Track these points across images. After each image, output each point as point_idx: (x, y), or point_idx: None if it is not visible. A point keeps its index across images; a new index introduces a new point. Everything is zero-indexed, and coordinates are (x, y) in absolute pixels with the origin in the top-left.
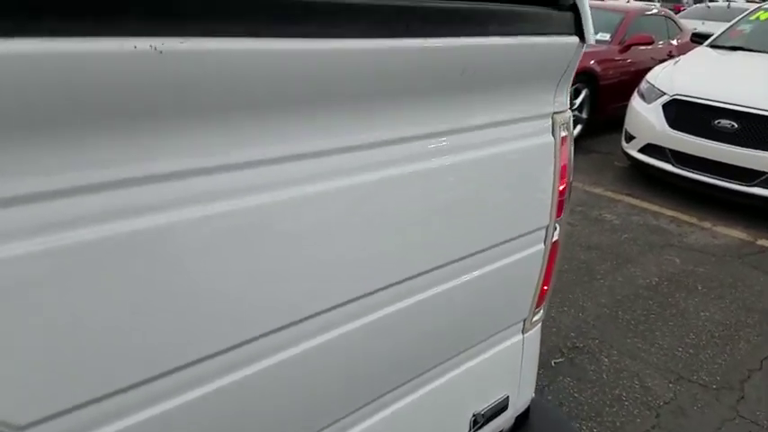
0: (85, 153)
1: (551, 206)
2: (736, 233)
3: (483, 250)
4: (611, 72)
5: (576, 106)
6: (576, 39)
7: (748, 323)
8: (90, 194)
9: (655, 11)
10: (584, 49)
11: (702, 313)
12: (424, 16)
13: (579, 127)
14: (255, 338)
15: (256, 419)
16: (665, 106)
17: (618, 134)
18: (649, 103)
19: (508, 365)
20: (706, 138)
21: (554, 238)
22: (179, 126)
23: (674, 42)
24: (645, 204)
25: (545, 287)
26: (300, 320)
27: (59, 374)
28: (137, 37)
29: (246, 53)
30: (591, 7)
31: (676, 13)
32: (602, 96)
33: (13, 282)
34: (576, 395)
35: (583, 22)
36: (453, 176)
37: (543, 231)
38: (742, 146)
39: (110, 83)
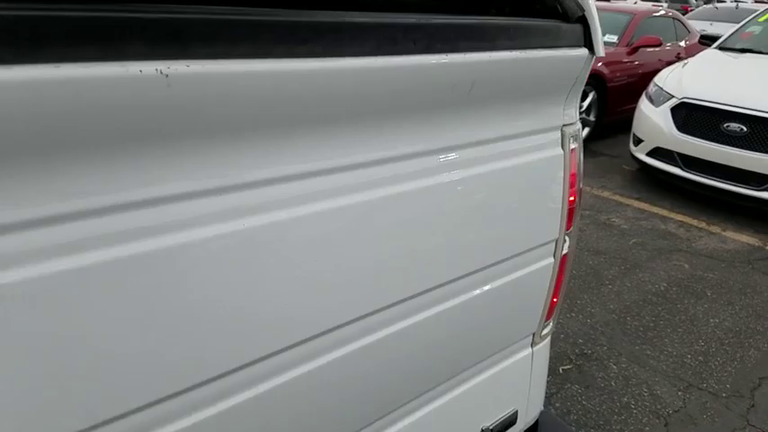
0: (97, 175)
1: (561, 219)
2: (746, 238)
3: (492, 265)
4: (618, 74)
5: (583, 109)
6: (585, 51)
7: (758, 330)
8: (96, 217)
9: (662, 12)
10: (593, 61)
11: (712, 320)
12: (432, 33)
13: (587, 130)
14: (266, 357)
15: None
16: (674, 109)
17: (626, 137)
18: (657, 106)
19: (517, 379)
20: (715, 141)
21: (564, 251)
22: (190, 147)
23: (682, 44)
24: (653, 208)
25: (555, 299)
26: (311, 338)
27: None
28: (142, 61)
29: (254, 75)
30: (598, 9)
31: (684, 14)
32: (610, 99)
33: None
34: (584, 403)
35: (592, 34)
36: (462, 191)
37: (553, 245)
38: (751, 149)
39: (116, 107)
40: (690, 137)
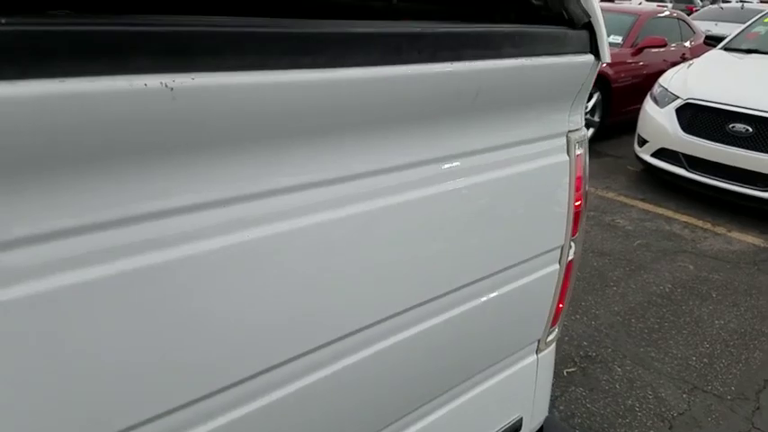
0: (102, 189)
1: (566, 225)
2: (751, 239)
3: (498, 272)
4: (623, 75)
5: (587, 109)
6: (591, 57)
7: (764, 332)
8: (101, 231)
9: (667, 12)
10: (599, 68)
11: (717, 321)
12: (436, 42)
13: (591, 130)
14: (272, 368)
15: None
16: (679, 110)
17: (630, 137)
18: (662, 107)
19: (522, 386)
20: (720, 142)
21: (569, 257)
22: (194, 159)
23: (687, 45)
24: (658, 209)
25: (560, 305)
26: (316, 348)
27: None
28: (147, 74)
29: (258, 87)
30: (602, 10)
31: (689, 15)
32: (615, 99)
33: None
34: (588, 405)
35: (598, 40)
36: (468, 199)
37: (558, 251)
38: (756, 150)
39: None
40: (695, 138)
